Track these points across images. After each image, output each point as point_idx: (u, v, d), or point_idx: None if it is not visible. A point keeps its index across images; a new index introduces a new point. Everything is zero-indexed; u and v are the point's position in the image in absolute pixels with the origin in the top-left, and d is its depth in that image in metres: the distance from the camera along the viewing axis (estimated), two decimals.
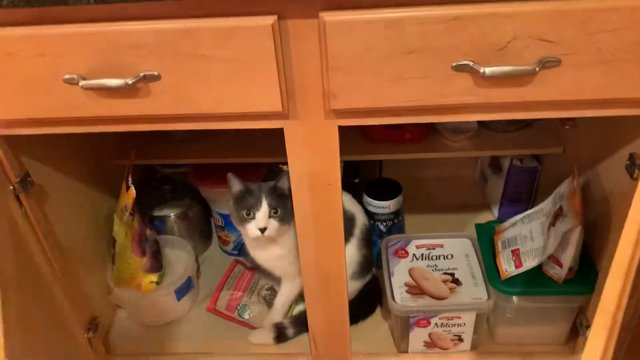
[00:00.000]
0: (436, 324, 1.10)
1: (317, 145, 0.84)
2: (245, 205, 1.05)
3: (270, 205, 1.03)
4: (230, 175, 1.06)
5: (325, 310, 1.06)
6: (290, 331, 1.20)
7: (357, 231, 1.19)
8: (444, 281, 1.12)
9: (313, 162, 0.86)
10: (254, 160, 1.27)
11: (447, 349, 1.15)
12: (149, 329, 1.26)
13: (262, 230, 1.03)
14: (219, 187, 1.31)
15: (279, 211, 1.04)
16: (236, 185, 1.07)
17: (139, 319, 1.27)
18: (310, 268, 1.00)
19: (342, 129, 0.83)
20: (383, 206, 1.27)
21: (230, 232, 1.39)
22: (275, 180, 1.05)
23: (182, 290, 1.25)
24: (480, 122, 1.27)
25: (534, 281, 1.05)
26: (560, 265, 1.03)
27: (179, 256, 1.31)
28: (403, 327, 1.11)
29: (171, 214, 1.36)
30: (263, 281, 1.32)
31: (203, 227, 1.46)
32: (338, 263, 0.99)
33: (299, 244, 0.97)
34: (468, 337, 1.13)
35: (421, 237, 1.22)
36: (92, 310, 1.17)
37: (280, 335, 1.20)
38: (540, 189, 1.41)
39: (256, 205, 1.04)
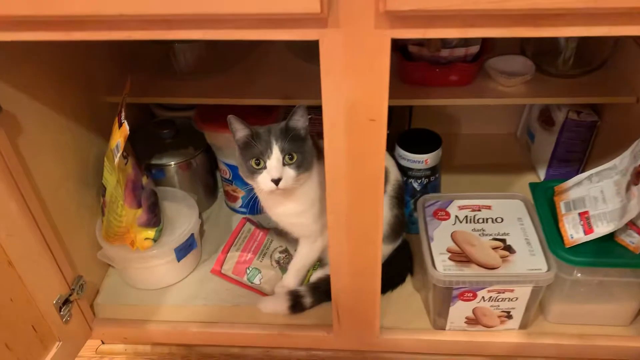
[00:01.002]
0: (483, 297, 0.93)
1: (362, 65, 0.65)
2: (254, 153, 0.87)
3: (283, 150, 0.85)
4: (231, 118, 0.88)
5: (353, 276, 0.89)
6: (307, 300, 1.03)
7: (390, 188, 1.01)
8: (494, 248, 0.95)
9: (355, 89, 0.67)
10: (270, 102, 1.08)
11: (491, 327, 0.98)
12: (145, 293, 1.09)
13: (276, 181, 0.86)
14: (228, 132, 1.12)
15: (295, 156, 0.86)
16: (240, 129, 0.89)
17: (132, 281, 1.10)
18: (340, 225, 0.82)
19: None
20: (419, 160, 1.09)
21: (239, 187, 1.21)
22: (287, 118, 0.87)
23: (183, 250, 1.08)
24: (538, 64, 1.08)
25: (603, 250, 0.88)
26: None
27: (179, 211, 1.13)
28: (443, 300, 0.94)
29: (171, 162, 1.18)
30: (277, 242, 1.15)
31: (208, 180, 1.28)
32: (374, 220, 0.81)
33: (327, 196, 0.79)
34: (518, 314, 0.96)
35: (464, 196, 1.05)
36: (77, 268, 1.00)
37: (296, 304, 1.03)
38: (595, 148, 1.22)
39: (266, 152, 0.86)
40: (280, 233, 1.17)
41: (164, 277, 1.09)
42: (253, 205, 1.21)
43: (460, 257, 0.93)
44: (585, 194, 0.93)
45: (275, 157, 0.86)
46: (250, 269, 1.10)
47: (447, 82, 1.06)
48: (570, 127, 1.19)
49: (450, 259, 0.93)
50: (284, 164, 0.86)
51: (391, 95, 1.04)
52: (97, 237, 1.06)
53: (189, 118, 1.24)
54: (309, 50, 1.13)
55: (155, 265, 1.06)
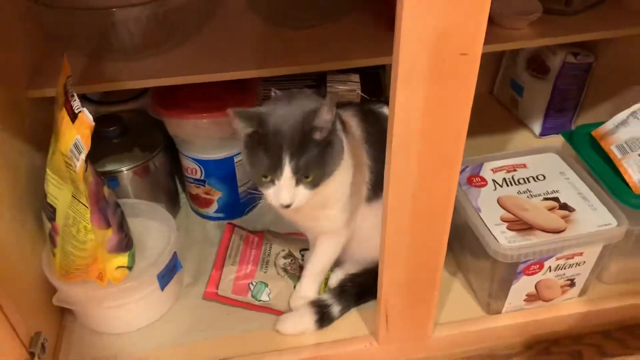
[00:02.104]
0: (550, 267, 0.80)
1: None
2: (260, 164, 0.67)
3: (297, 170, 0.66)
4: (231, 113, 0.67)
5: (413, 270, 0.72)
6: (335, 309, 0.84)
7: None
8: (550, 209, 0.82)
9: (445, 15, 0.50)
10: (241, 74, 0.86)
11: (551, 300, 0.86)
12: (123, 338, 0.84)
13: (287, 205, 0.67)
14: (196, 118, 0.90)
15: (312, 175, 0.67)
16: (241, 124, 0.68)
17: (105, 326, 0.84)
18: (403, 206, 0.64)
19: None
20: None
21: (214, 187, 0.98)
22: (307, 116, 0.66)
23: (167, 274, 0.84)
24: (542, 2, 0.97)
25: None
26: None
27: (147, 226, 0.89)
28: (505, 278, 0.80)
29: (124, 167, 0.93)
30: (277, 246, 0.94)
31: (170, 185, 1.03)
32: (447, 194, 0.64)
33: (390, 168, 0.60)
34: (582, 279, 0.84)
35: (493, 157, 0.91)
36: (32, 323, 0.72)
37: (324, 316, 0.83)
38: (589, 92, 1.15)
39: (275, 170, 0.66)
40: (277, 234, 0.97)
41: (146, 312, 0.84)
42: (234, 207, 1.00)
43: (520, 225, 0.79)
44: (636, 133, 0.83)
45: (285, 179, 0.66)
46: (254, 283, 0.88)
47: None
48: (567, 72, 1.10)
49: (508, 228, 0.79)
50: (297, 183, 0.67)
51: (384, 52, 0.90)
52: (47, 276, 0.78)
53: (135, 111, 0.99)
54: (280, 11, 0.93)
55: (135, 299, 0.81)
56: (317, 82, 1.01)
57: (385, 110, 0.83)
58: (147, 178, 0.96)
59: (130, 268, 0.80)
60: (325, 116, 0.66)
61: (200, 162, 0.95)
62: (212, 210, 1.02)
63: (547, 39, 0.96)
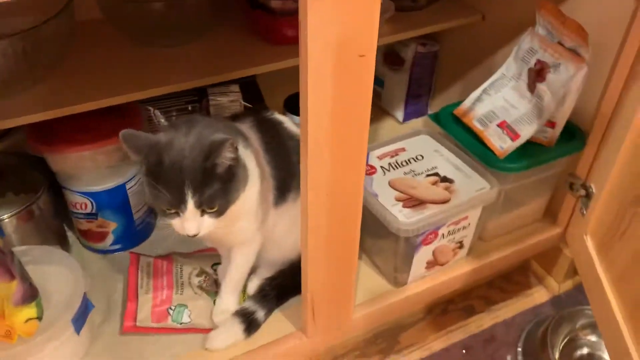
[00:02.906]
0: (443, 234, 0.90)
1: None
2: (163, 199, 0.66)
3: (200, 204, 0.66)
4: (122, 136, 0.66)
5: (332, 260, 0.77)
6: (260, 314, 0.86)
7: None
8: (433, 183, 0.92)
9: (344, 23, 0.55)
10: (119, 99, 0.84)
11: (445, 263, 0.96)
12: None
13: (193, 235, 0.68)
14: (80, 150, 0.86)
15: (217, 205, 0.68)
16: (137, 154, 0.67)
17: None
18: (320, 202, 0.69)
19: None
20: None
21: (108, 219, 0.94)
22: (208, 148, 0.66)
23: (81, 317, 0.79)
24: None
25: (526, 153, 0.92)
26: (554, 125, 0.92)
27: (45, 272, 0.83)
28: (407, 251, 0.88)
29: (4, 215, 0.85)
30: (188, 266, 0.93)
31: (57, 226, 0.97)
32: (359, 178, 0.70)
33: (307, 168, 0.65)
34: (469, 240, 0.96)
35: (375, 146, 0.99)
36: None
37: (250, 323, 0.85)
38: (438, 77, 1.29)
39: (179, 204, 0.66)
40: (185, 255, 0.96)
41: None
42: (131, 235, 0.97)
43: (412, 202, 0.88)
44: (491, 106, 0.96)
45: (190, 212, 0.66)
46: (173, 307, 0.87)
47: None
48: (419, 61, 1.22)
49: (404, 206, 0.87)
50: (202, 214, 0.68)
51: (265, 60, 0.94)
52: None
53: (3, 153, 0.92)
54: (147, 31, 0.93)
55: (51, 350, 0.76)
56: (199, 97, 1.01)
57: (276, 116, 0.87)
58: (33, 222, 0.89)
59: (40, 318, 0.74)
60: (228, 153, 0.66)
61: (89, 195, 0.91)
62: (108, 243, 0.97)
63: (402, 34, 1.07)
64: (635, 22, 0.81)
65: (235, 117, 0.84)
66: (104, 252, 0.99)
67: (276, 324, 0.88)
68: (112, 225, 0.95)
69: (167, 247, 0.99)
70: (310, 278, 0.77)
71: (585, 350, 1.02)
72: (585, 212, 0.92)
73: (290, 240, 0.87)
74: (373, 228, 0.89)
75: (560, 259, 1.11)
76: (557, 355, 0.97)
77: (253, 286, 0.90)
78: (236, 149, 0.67)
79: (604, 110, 0.88)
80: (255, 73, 0.94)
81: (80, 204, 0.92)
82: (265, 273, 0.91)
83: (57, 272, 0.82)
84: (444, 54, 1.25)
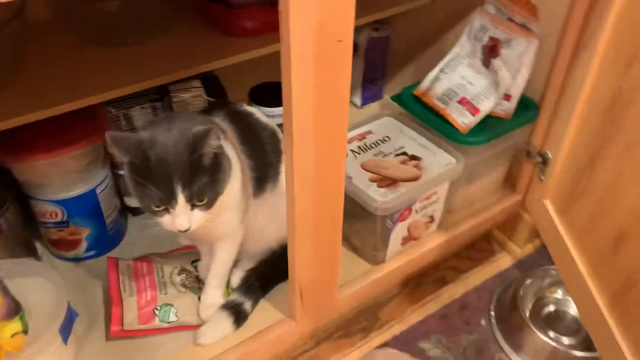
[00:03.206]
0: (416, 210, 0.93)
1: None
2: (151, 196, 0.66)
3: (190, 197, 0.67)
4: (109, 137, 0.65)
5: (318, 244, 0.78)
6: (247, 305, 0.87)
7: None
8: (403, 162, 0.95)
9: (323, 10, 0.57)
10: (82, 103, 0.82)
11: (419, 238, 1.00)
12: None
13: (185, 230, 0.68)
14: (46, 157, 0.84)
15: (206, 197, 0.68)
16: (119, 152, 0.67)
17: None
18: (306, 188, 0.70)
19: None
20: None
21: (80, 225, 0.92)
22: (192, 146, 0.66)
23: (68, 326, 0.78)
24: None
25: (487, 126, 0.97)
26: (509, 98, 0.97)
27: (21, 284, 0.80)
28: (384, 229, 0.91)
29: None
30: (168, 266, 0.92)
31: (26, 239, 0.94)
32: (341, 162, 0.72)
33: (293, 156, 0.66)
34: (439, 213, 1.00)
35: None
36: None
37: (239, 315, 0.86)
38: (392, 59, 1.33)
39: (169, 200, 0.66)
40: (162, 255, 0.95)
41: None
42: (105, 240, 0.95)
43: (386, 181, 0.91)
44: (449, 84, 1.00)
45: (181, 206, 0.67)
46: (159, 307, 0.86)
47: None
48: (373, 46, 1.25)
49: (379, 186, 0.90)
50: (192, 208, 0.68)
51: (221, 55, 0.94)
52: None
53: None
54: (101, 31, 0.91)
55: None
56: (161, 95, 1.00)
57: (246, 108, 0.88)
58: (1, 237, 0.86)
59: (25, 332, 0.72)
60: (212, 142, 0.67)
61: (60, 202, 0.89)
62: (81, 250, 0.95)
63: (356, 20, 1.09)
64: None
65: (207, 111, 0.85)
66: (78, 260, 0.97)
67: (264, 313, 0.89)
68: (84, 232, 0.93)
69: (141, 249, 0.98)
70: (298, 263, 0.78)
71: (552, 308, 1.09)
72: (543, 178, 0.98)
73: (271, 230, 0.88)
74: (350, 210, 0.91)
75: (520, 225, 1.17)
76: (527, 314, 1.04)
77: (236, 279, 0.91)
78: (219, 138, 0.68)
79: (555, 80, 0.94)
80: (217, 67, 0.94)
81: (51, 212, 0.90)
82: (247, 265, 0.92)
83: (35, 284, 0.80)
84: (396, 38, 1.29)
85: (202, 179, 0.66)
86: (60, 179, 0.87)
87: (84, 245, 0.95)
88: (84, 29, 0.91)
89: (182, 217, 0.67)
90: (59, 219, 0.90)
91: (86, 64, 0.88)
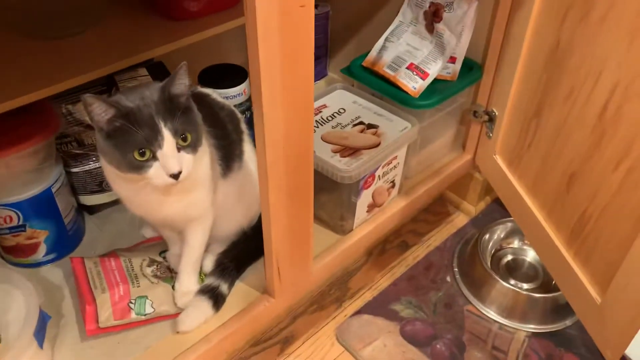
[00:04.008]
0: (379, 176, 0.96)
1: None
2: (135, 142, 0.65)
3: (176, 132, 0.67)
4: (88, 98, 0.64)
5: (291, 217, 0.79)
6: (224, 287, 0.87)
7: (244, 126, 0.91)
8: (361, 131, 0.97)
9: None
10: (27, 99, 0.78)
11: (382, 204, 1.03)
12: None
13: (177, 175, 0.68)
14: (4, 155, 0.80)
15: (189, 136, 0.69)
16: (103, 111, 0.65)
17: None
18: (278, 158, 0.70)
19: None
20: (239, 93, 1.00)
21: (37, 227, 0.88)
22: (166, 83, 0.68)
23: (42, 329, 0.74)
24: None
25: (435, 90, 1.01)
26: (454, 61, 1.01)
27: None
28: (350, 197, 0.93)
29: None
30: (136, 259, 0.90)
31: None
32: (309, 130, 0.73)
33: (263, 126, 0.66)
34: (399, 178, 1.03)
35: None
36: None
37: (217, 298, 0.85)
38: (333, 36, 1.34)
39: (154, 139, 0.66)
40: (128, 249, 0.93)
41: None
42: (64, 241, 0.92)
43: (347, 151, 0.93)
44: (396, 52, 1.03)
45: (168, 144, 0.66)
46: (134, 301, 0.84)
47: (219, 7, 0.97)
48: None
49: (341, 156, 0.92)
50: (179, 150, 0.68)
51: (166, 40, 0.92)
52: None
53: None
54: (39, 21, 0.87)
55: None
56: (108, 86, 0.97)
57: (201, 90, 0.87)
58: None
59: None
60: (183, 80, 0.68)
61: (14, 205, 0.84)
62: (40, 254, 0.91)
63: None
64: None
65: None
66: (37, 265, 0.92)
67: (240, 293, 0.89)
68: (43, 235, 0.89)
69: (102, 247, 0.95)
70: (274, 238, 0.79)
71: (510, 257, 1.15)
72: (491, 135, 1.03)
73: (240, 210, 0.88)
74: (316, 183, 0.92)
75: (472, 184, 1.23)
76: (488, 265, 1.09)
77: (209, 263, 0.90)
78: (188, 76, 0.68)
79: (495, 39, 0.98)
80: (162, 53, 0.91)
81: (4, 217, 0.85)
82: (218, 248, 0.91)
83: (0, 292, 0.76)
84: (336, 14, 1.30)
85: (182, 117, 0.67)
86: (13, 181, 0.83)
87: (42, 249, 0.91)
88: (19, 21, 0.87)
89: (172, 158, 0.66)
90: (14, 223, 0.86)
91: (25, 58, 0.83)
